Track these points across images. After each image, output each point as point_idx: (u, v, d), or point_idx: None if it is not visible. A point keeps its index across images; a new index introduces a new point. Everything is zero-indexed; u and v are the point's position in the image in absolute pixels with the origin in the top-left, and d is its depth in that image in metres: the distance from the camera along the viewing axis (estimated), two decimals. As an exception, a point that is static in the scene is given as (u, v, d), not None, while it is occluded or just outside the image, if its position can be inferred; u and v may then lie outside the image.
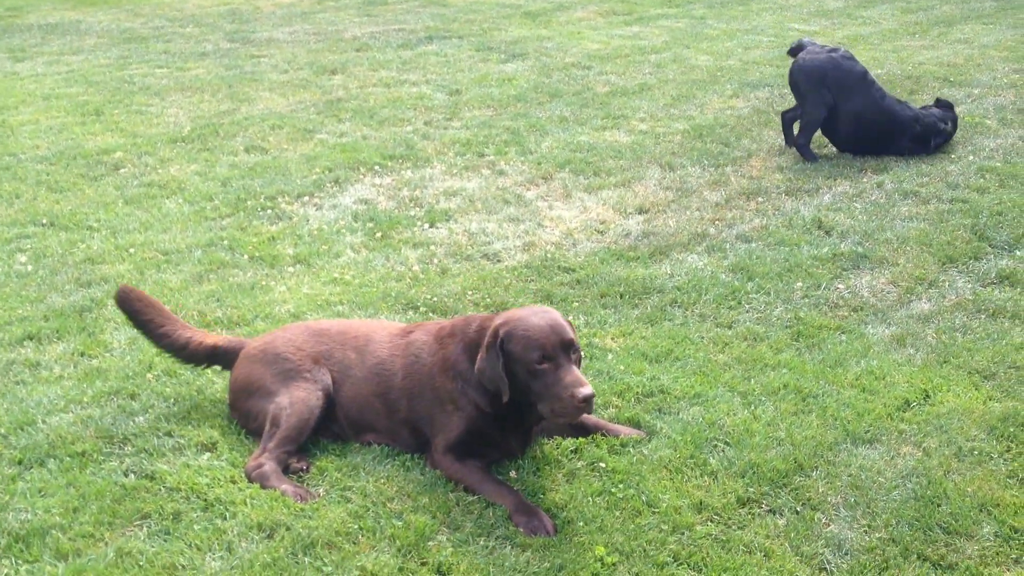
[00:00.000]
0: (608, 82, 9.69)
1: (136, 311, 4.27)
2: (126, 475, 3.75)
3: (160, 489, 3.68)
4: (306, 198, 6.81)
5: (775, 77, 9.66)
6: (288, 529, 3.49)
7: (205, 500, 3.63)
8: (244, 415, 4.05)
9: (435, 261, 5.84)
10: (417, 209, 6.62)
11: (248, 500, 3.62)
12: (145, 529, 3.48)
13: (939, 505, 3.70)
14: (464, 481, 3.75)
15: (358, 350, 4.08)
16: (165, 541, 3.41)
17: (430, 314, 5.14)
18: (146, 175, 7.21)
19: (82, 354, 4.68)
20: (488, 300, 5.31)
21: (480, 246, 6.06)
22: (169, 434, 4.01)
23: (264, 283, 5.53)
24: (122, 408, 4.19)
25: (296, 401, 3.93)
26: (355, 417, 4.02)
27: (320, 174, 7.22)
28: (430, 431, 3.88)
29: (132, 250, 5.89)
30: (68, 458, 3.81)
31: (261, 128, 8.28)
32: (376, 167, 7.38)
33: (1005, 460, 3.97)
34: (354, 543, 3.46)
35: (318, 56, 10.79)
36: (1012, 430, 4.14)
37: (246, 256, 5.88)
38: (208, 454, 3.91)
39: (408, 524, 3.54)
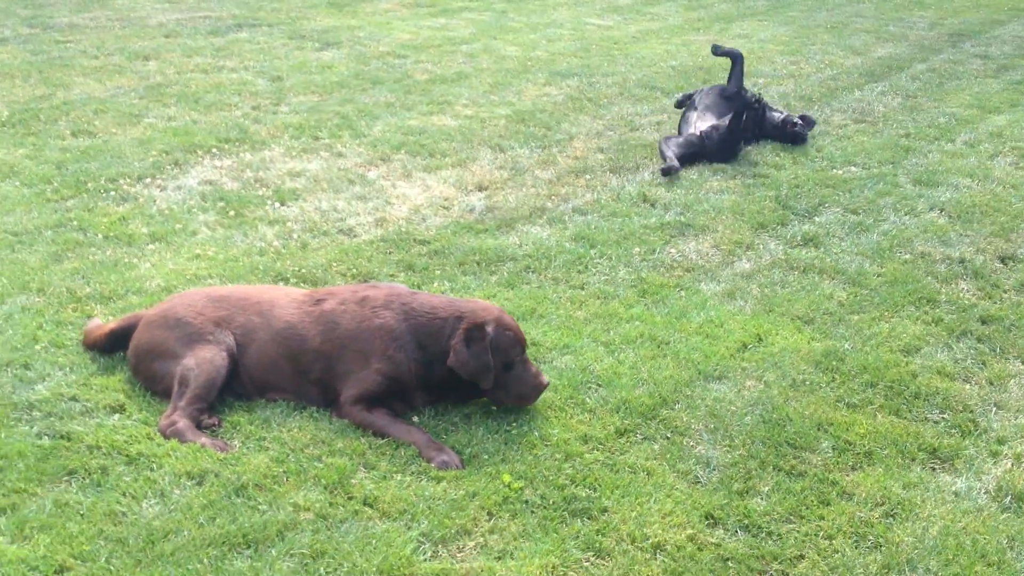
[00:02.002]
0: (426, 70, 10.04)
1: None
2: (40, 437, 3.83)
3: (80, 447, 3.77)
4: (148, 180, 6.81)
5: (581, 67, 10.30)
6: (216, 476, 3.68)
7: (127, 455, 3.76)
8: (149, 378, 4.17)
9: (294, 236, 6.04)
10: (264, 189, 6.77)
11: (170, 452, 3.78)
12: (75, 484, 3.59)
13: (784, 426, 4.31)
14: (374, 426, 4.05)
15: (262, 315, 4.28)
16: (99, 492, 3.54)
17: (302, 284, 5.36)
18: (-29, 159, 6.98)
19: (-43, 330, 4.62)
20: (355, 271, 5.58)
21: (334, 222, 6.30)
22: (74, 399, 4.09)
23: (127, 260, 5.57)
24: (18, 377, 4.21)
25: (202, 361, 4.09)
26: (260, 377, 4.23)
27: (157, 156, 7.21)
28: (340, 387, 4.15)
29: (-21, 231, 5.77)
30: (-22, 424, 3.83)
31: (84, 112, 8.12)
32: (214, 150, 7.43)
33: (832, 388, 4.64)
34: (281, 484, 3.70)
35: (126, 42, 10.57)
36: (834, 363, 4.82)
37: (100, 235, 5.87)
38: (118, 415, 4.03)
39: (329, 466, 3.81)
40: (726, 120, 7.65)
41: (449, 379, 4.22)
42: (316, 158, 7.43)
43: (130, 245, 5.79)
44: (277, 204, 6.52)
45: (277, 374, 4.22)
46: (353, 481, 3.76)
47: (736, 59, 8.35)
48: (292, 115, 8.40)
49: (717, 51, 8.77)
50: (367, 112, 8.55)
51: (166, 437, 3.89)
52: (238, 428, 4.03)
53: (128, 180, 6.75)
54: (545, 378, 4.29)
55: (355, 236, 6.12)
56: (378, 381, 4.13)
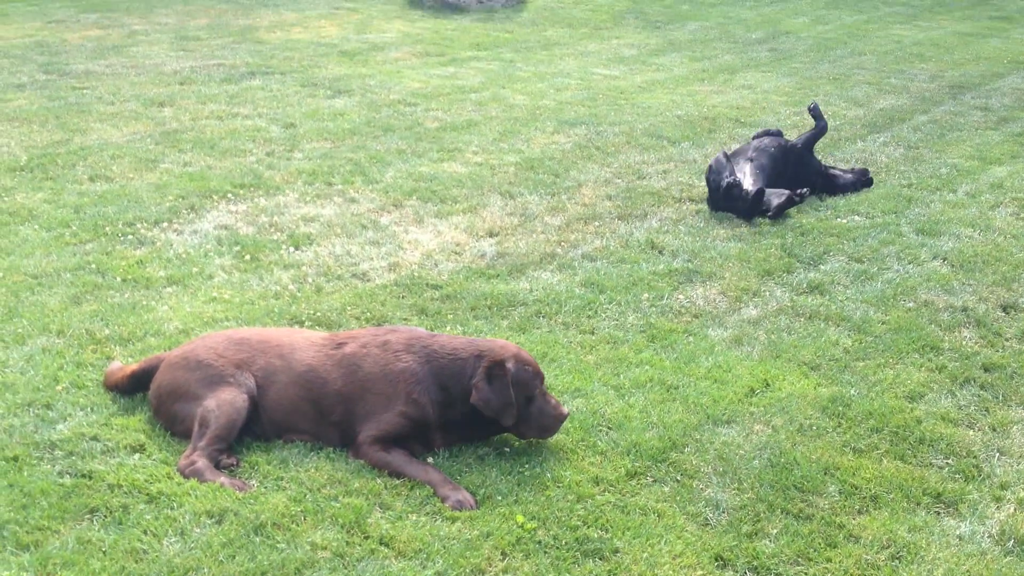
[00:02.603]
0: (436, 118, 10.22)
1: None
2: (62, 476, 3.91)
3: (101, 486, 3.86)
4: (164, 224, 6.94)
5: (588, 116, 10.47)
6: (236, 515, 3.76)
7: (148, 494, 3.84)
8: (171, 419, 4.26)
9: (308, 280, 6.15)
10: (279, 234, 6.89)
11: (190, 492, 3.86)
12: (97, 521, 3.67)
13: (791, 470, 4.38)
14: (390, 466, 4.13)
15: (282, 357, 4.38)
16: (120, 530, 3.61)
17: (317, 327, 5.46)
18: (-8, 202, 7.12)
19: (-20, 371, 4.73)
20: (368, 315, 5.68)
21: (348, 267, 6.41)
22: (95, 438, 4.17)
23: (144, 303, 5.68)
24: (40, 417, 4.30)
25: (223, 403, 4.19)
26: (280, 419, 4.32)
27: (174, 201, 7.35)
28: (360, 428, 4.23)
29: (0, 274, 5.88)
30: (2, 462, 3.93)
31: (101, 158, 8.28)
32: (229, 195, 7.57)
33: (838, 433, 4.72)
34: (299, 524, 3.78)
35: (142, 89, 10.77)
36: (840, 409, 4.91)
37: (118, 278, 5.99)
38: (138, 455, 4.11)
39: (345, 506, 3.89)
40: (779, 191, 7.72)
41: (470, 418, 4.32)
42: (329, 203, 7.56)
43: (148, 288, 5.90)
44: (292, 248, 6.65)
45: (297, 416, 4.31)
46: (369, 521, 3.83)
47: (820, 130, 8.55)
48: (305, 161, 8.56)
49: (814, 111, 8.70)
50: (379, 159, 8.71)
51: (185, 476, 3.98)
52: (256, 468, 4.11)
53: (145, 224, 6.89)
54: (565, 409, 4.41)
55: (369, 280, 6.23)
56: (400, 423, 4.22)
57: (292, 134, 9.35)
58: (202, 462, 4.01)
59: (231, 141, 8.99)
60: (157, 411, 4.33)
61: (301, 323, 5.51)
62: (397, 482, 4.09)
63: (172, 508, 3.76)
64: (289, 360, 4.38)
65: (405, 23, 15.75)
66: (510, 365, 4.30)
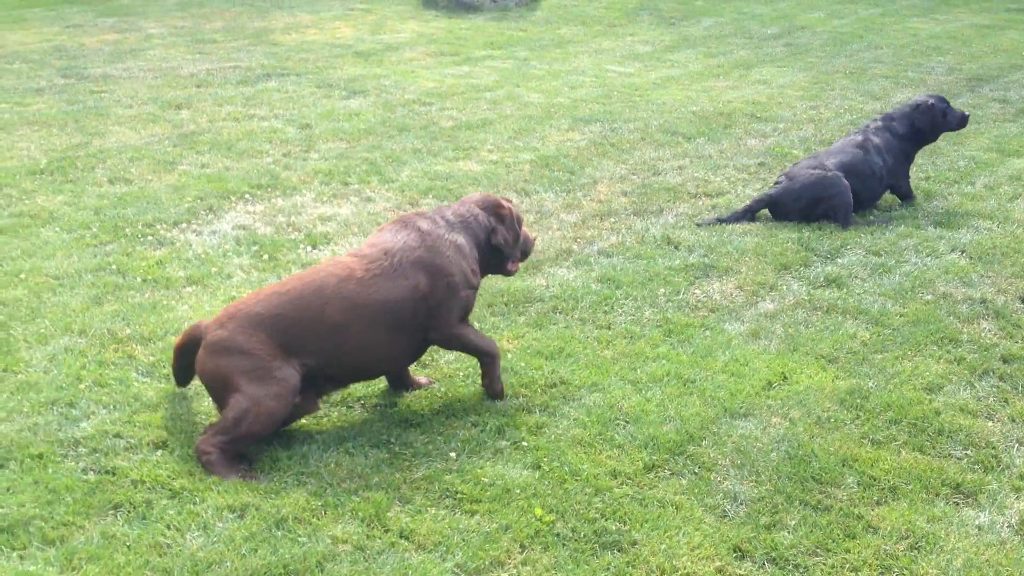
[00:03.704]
0: (451, 117, 10.25)
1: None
2: (86, 473, 3.96)
3: (125, 482, 3.90)
4: (183, 225, 7.00)
5: (603, 113, 10.48)
6: (257, 509, 3.80)
7: (171, 489, 3.89)
8: (219, 404, 4.25)
9: (326, 279, 6.18)
10: (296, 233, 6.94)
11: (212, 487, 3.91)
12: (120, 517, 3.71)
13: (809, 462, 4.39)
14: (477, 343, 4.76)
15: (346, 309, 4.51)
16: (144, 525, 3.66)
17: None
18: (13, 206, 7.20)
19: (4, 370, 4.78)
20: (386, 311, 5.71)
21: (365, 265, 6.44)
22: (118, 435, 4.22)
23: (164, 302, 5.73)
24: (64, 415, 4.36)
25: (261, 408, 4.11)
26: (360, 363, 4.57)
27: (192, 202, 7.41)
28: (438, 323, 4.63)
29: (23, 275, 5.95)
30: (27, 459, 3.98)
31: (120, 160, 8.36)
32: (246, 195, 7.63)
33: (856, 425, 4.72)
34: (319, 518, 3.81)
35: (159, 92, 10.85)
36: (858, 401, 4.91)
37: (139, 279, 6.05)
38: (161, 451, 4.16)
39: (366, 499, 3.92)
40: None
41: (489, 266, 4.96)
42: (346, 203, 7.60)
43: (167, 288, 5.95)
44: (309, 248, 6.69)
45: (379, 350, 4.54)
46: (389, 514, 3.86)
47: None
48: (322, 161, 8.61)
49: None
50: (394, 158, 8.75)
51: (197, 459, 4.02)
52: (277, 463, 4.14)
53: (164, 225, 6.94)
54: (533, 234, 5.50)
55: (385, 278, 6.26)
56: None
57: (308, 135, 9.40)
58: (216, 455, 4.04)
59: (248, 142, 9.05)
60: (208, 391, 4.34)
61: (319, 321, 5.55)
62: (417, 476, 4.12)
63: (195, 503, 3.80)
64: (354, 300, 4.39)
65: (419, 23, 15.80)
66: (508, 205, 4.89)
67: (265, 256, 6.50)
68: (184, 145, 8.90)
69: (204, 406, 4.56)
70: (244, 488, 3.89)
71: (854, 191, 7.41)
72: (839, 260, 6.69)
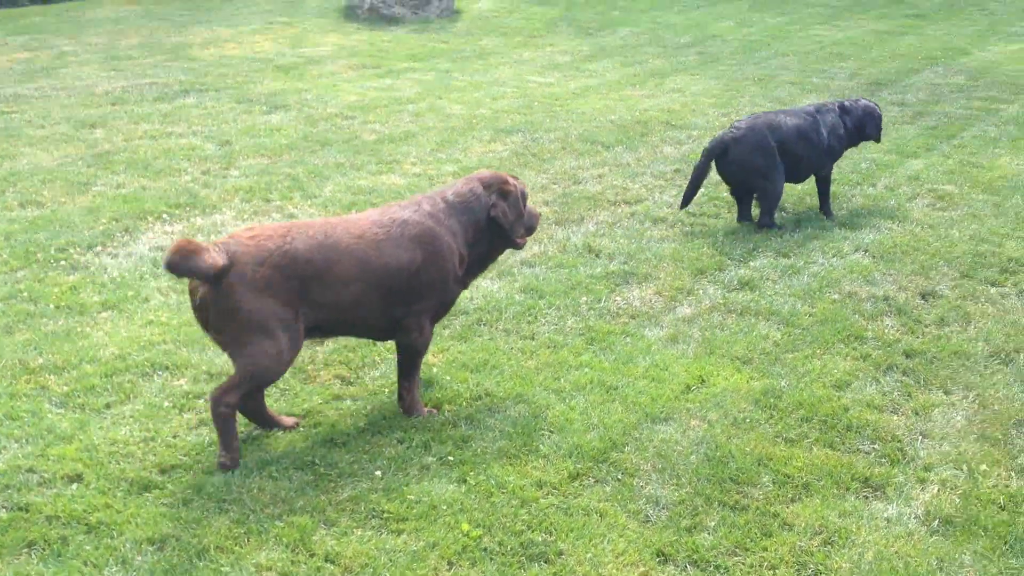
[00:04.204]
0: (374, 130, 10.25)
1: None
2: (-2, 510, 3.89)
3: (39, 518, 3.85)
4: (98, 248, 6.90)
5: (525, 124, 10.57)
6: (178, 540, 3.77)
7: (87, 524, 3.84)
8: (242, 319, 4.28)
9: (247, 299, 6.14)
10: (216, 253, 6.87)
11: (130, 520, 3.87)
12: (35, 555, 3.66)
13: (727, 463, 4.49)
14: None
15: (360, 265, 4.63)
16: (59, 563, 3.61)
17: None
18: (-79, 233, 7.03)
19: (-86, 406, 4.67)
20: (308, 330, 5.70)
21: (286, 284, 6.41)
22: (31, 470, 4.16)
23: (79, 329, 5.65)
24: (-25, 450, 4.27)
25: (262, 362, 4.30)
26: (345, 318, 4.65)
27: (107, 224, 7.31)
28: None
29: (-68, 306, 5.82)
30: (-62, 498, 3.89)
31: (32, 182, 8.20)
32: (164, 215, 7.54)
33: (771, 424, 4.84)
34: (243, 545, 3.80)
35: (73, 111, 10.67)
36: (772, 401, 5.03)
37: (51, 305, 5.95)
38: (76, 484, 4.10)
39: (290, 524, 3.92)
40: None
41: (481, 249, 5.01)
42: (268, 220, 7.55)
43: (82, 314, 5.87)
44: (229, 268, 6.63)
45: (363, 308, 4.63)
46: (315, 538, 3.86)
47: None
48: (242, 178, 8.54)
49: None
50: (317, 173, 8.71)
51: (212, 407, 4.23)
52: (200, 491, 4.11)
53: (78, 249, 6.84)
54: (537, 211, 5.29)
55: (307, 296, 6.24)
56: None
57: (228, 151, 9.33)
58: (225, 408, 4.24)
59: (165, 161, 8.94)
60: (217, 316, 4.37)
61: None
62: (342, 497, 4.13)
63: (112, 537, 3.76)
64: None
65: (340, 36, 15.76)
66: (514, 182, 4.95)
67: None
68: (99, 165, 8.76)
69: (120, 434, 4.52)
70: (163, 520, 3.86)
71: (800, 156, 7.56)
72: (751, 263, 6.84)
